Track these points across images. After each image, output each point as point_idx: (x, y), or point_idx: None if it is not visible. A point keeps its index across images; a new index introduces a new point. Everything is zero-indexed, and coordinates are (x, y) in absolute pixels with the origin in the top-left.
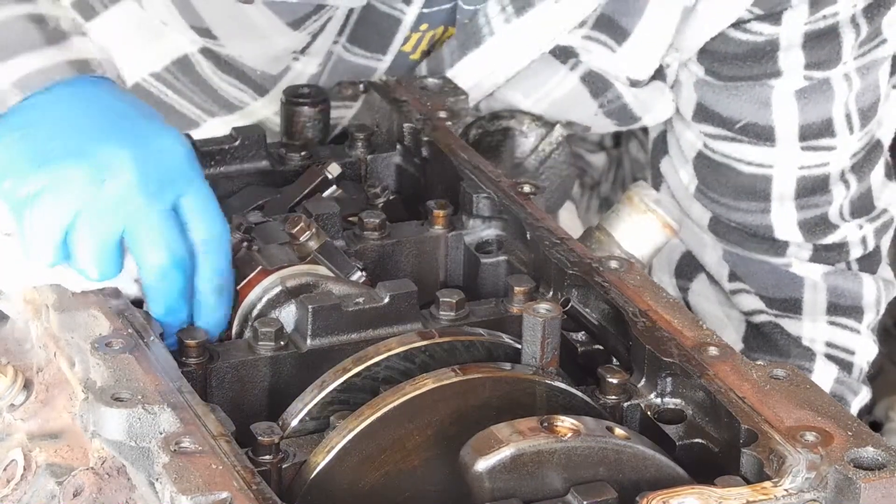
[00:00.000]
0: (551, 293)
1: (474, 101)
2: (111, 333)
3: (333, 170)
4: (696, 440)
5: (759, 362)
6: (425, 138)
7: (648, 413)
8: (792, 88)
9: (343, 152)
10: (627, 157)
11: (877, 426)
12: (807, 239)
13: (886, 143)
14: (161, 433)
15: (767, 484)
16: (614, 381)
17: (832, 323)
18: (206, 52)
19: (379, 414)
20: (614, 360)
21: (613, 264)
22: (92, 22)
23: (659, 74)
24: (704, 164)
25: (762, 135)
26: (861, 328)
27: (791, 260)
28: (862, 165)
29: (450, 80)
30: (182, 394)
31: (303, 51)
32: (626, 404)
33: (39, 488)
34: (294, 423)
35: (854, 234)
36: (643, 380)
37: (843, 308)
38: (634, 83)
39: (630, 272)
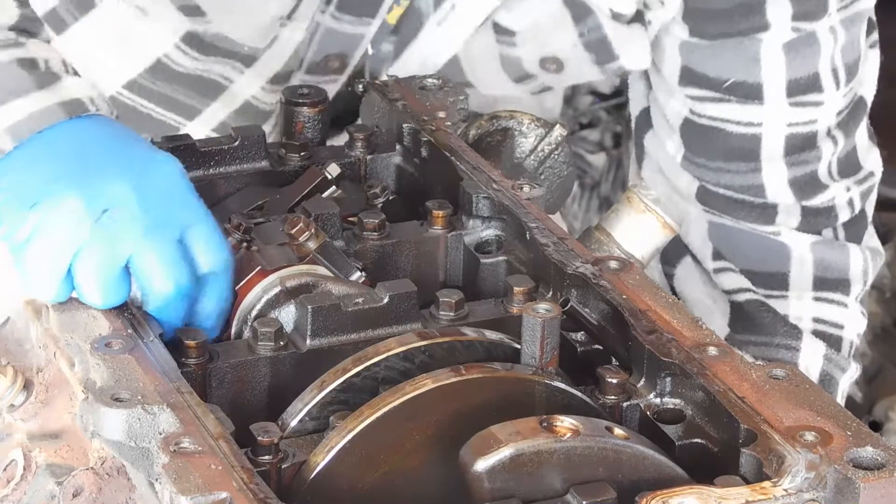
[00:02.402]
0: (551, 293)
1: (480, 18)
2: (111, 334)
3: (333, 170)
4: (696, 440)
5: (758, 362)
6: (425, 138)
7: (648, 413)
8: (780, 42)
9: (343, 152)
10: (627, 157)
11: (876, 426)
12: (798, 198)
13: (869, 101)
14: (161, 433)
15: (767, 484)
16: (614, 381)
17: (818, 299)
18: (188, 39)
19: (379, 414)
20: (613, 360)
21: (613, 264)
22: (63, 35)
23: (640, 20)
24: (692, 130)
25: (750, 93)
26: (849, 301)
27: (780, 228)
28: (847, 122)
29: (449, 80)
30: (181, 394)
31: (289, 16)
32: (625, 404)
33: (39, 488)
34: (294, 423)
35: (842, 195)
36: (642, 380)
37: (829, 282)
38: (616, 16)
39: (629, 272)
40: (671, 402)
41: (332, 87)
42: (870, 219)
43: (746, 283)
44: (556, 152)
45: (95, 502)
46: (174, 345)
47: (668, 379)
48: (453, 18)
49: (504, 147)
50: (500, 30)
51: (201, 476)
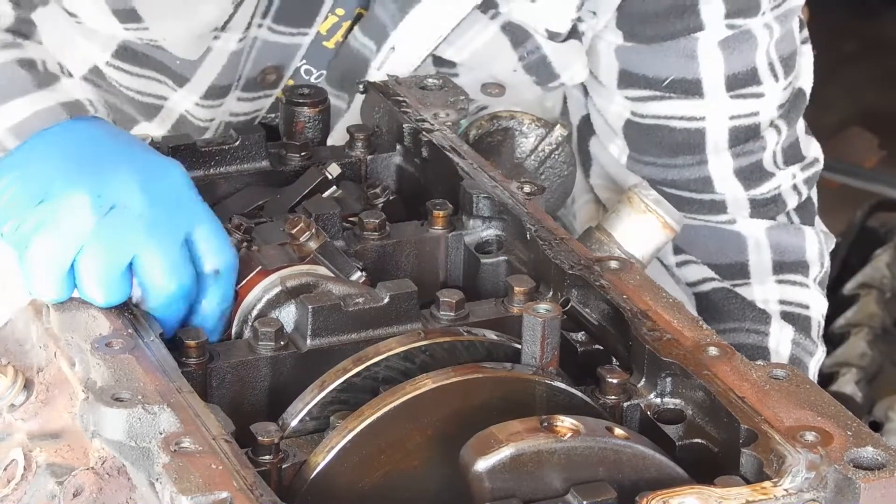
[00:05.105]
0: (551, 293)
1: (420, 58)
2: (111, 333)
3: (333, 170)
4: (696, 440)
5: (758, 362)
6: (425, 138)
7: (648, 413)
8: (715, 39)
9: (343, 152)
10: None
11: (877, 426)
12: (745, 187)
13: (807, 92)
14: (161, 433)
15: (767, 484)
16: (614, 381)
17: (781, 281)
18: (120, 53)
19: (379, 414)
20: (614, 360)
21: (613, 264)
22: None
23: (575, 34)
24: (635, 131)
25: (690, 89)
26: (809, 282)
27: (732, 216)
28: (789, 111)
29: (449, 79)
30: (182, 394)
31: (224, 26)
32: (625, 404)
33: (39, 488)
34: (294, 423)
35: (787, 182)
36: (643, 380)
37: (788, 265)
38: (553, 36)
39: (629, 272)
40: (671, 402)
41: (267, 102)
42: (816, 206)
43: (710, 273)
44: (556, 152)
45: (96, 502)
46: (174, 344)
47: (669, 379)
48: (395, 59)
49: (504, 147)
50: (441, 63)
51: (201, 476)
